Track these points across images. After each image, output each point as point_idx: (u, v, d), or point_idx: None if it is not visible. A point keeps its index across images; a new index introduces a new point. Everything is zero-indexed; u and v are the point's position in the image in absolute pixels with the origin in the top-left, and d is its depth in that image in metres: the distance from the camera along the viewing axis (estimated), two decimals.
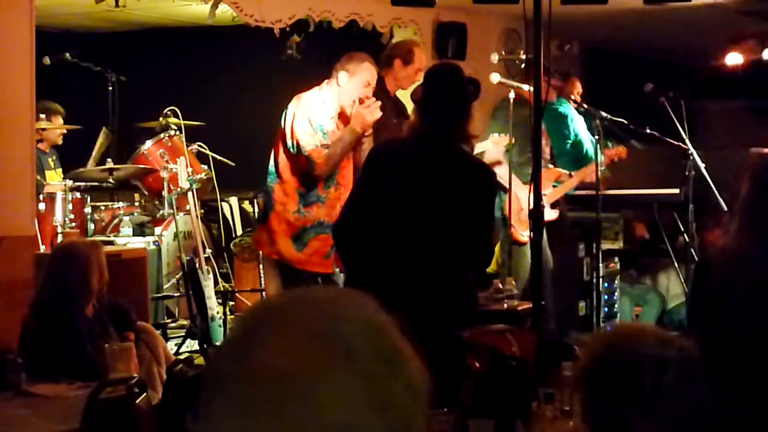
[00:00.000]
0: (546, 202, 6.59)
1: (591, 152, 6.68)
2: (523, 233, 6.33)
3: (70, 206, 6.23)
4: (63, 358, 4.25)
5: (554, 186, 6.73)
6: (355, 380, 0.99)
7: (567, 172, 6.74)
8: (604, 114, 6.51)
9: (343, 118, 5.40)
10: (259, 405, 0.97)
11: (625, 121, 6.54)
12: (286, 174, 5.37)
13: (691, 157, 6.53)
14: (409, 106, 6.11)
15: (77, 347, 4.28)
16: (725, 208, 6.03)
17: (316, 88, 5.42)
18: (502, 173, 6.23)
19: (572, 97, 6.77)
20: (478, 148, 6.21)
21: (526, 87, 6.14)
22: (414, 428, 1.02)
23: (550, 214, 6.59)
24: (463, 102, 4.04)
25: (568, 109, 6.88)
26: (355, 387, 0.99)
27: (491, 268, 6.47)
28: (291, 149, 5.31)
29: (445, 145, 4.03)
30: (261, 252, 6.06)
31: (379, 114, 5.29)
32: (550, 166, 6.82)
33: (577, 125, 6.93)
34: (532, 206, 4.62)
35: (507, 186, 6.25)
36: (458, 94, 4.05)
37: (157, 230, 6.86)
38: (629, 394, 1.77)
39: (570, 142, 7.07)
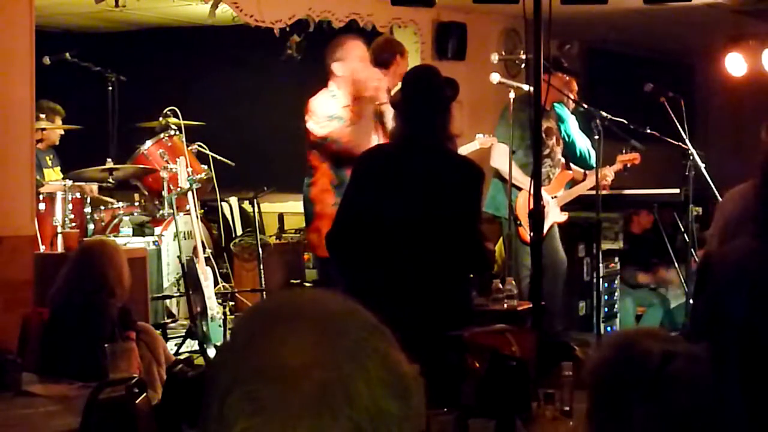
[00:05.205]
0: (557, 204, 6.58)
1: (585, 152, 6.67)
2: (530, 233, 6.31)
3: (70, 206, 6.23)
4: (78, 356, 4.16)
5: (566, 188, 6.71)
6: (371, 370, 0.99)
7: (583, 172, 6.74)
8: (604, 114, 6.49)
9: (359, 101, 5.52)
10: (274, 402, 0.98)
11: (625, 121, 6.52)
12: (322, 169, 5.45)
13: (691, 157, 6.53)
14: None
15: (95, 347, 4.18)
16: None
17: (323, 89, 5.52)
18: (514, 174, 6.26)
19: (570, 97, 6.74)
20: (463, 149, 6.20)
21: (526, 87, 6.13)
22: (424, 416, 1.03)
23: (559, 217, 6.58)
24: (442, 102, 4.08)
25: (562, 109, 6.85)
26: (373, 377, 0.99)
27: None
28: (321, 142, 5.41)
29: (429, 146, 4.07)
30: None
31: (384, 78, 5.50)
32: (562, 160, 6.79)
33: (570, 126, 6.92)
34: (531, 207, 4.63)
35: (516, 185, 6.25)
36: (436, 95, 4.10)
37: (157, 230, 6.86)
38: (632, 382, 1.78)
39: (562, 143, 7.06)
